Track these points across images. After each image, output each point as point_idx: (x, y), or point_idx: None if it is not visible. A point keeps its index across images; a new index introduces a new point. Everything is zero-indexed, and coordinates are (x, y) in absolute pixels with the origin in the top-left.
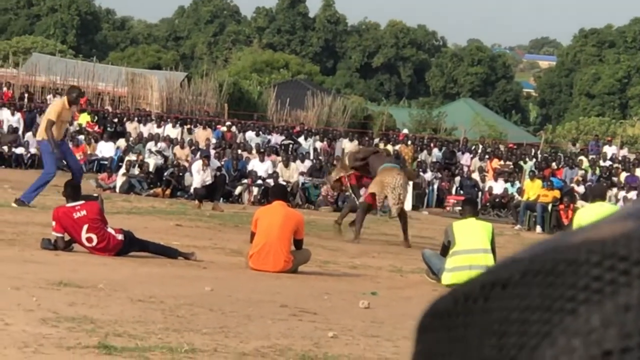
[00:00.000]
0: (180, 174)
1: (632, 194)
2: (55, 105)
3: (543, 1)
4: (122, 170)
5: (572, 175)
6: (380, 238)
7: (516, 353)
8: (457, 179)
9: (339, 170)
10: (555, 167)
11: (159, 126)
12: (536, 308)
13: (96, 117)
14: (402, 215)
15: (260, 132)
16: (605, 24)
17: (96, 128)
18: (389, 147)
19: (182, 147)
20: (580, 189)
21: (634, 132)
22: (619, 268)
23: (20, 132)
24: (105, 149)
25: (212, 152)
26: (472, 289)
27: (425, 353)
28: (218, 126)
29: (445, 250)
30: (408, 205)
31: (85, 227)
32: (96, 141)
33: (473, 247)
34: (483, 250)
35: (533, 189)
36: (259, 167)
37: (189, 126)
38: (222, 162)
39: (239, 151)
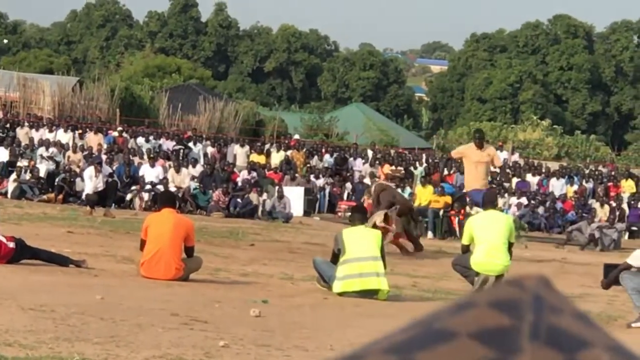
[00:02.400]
0: (72, 179)
1: (523, 200)
2: None
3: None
4: (13, 176)
5: (462, 181)
6: (271, 245)
7: None
8: (349, 184)
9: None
10: (447, 172)
11: (50, 131)
12: None
13: None
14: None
15: (151, 138)
16: (497, 29)
17: None
18: (281, 153)
19: (75, 152)
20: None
21: (525, 137)
22: None
23: None
24: None
25: (104, 157)
26: None
27: None
28: (109, 131)
29: (335, 257)
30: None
31: None
32: None
33: (363, 255)
34: (372, 257)
35: (424, 195)
36: (150, 172)
37: (80, 131)
38: (114, 168)
39: (131, 157)
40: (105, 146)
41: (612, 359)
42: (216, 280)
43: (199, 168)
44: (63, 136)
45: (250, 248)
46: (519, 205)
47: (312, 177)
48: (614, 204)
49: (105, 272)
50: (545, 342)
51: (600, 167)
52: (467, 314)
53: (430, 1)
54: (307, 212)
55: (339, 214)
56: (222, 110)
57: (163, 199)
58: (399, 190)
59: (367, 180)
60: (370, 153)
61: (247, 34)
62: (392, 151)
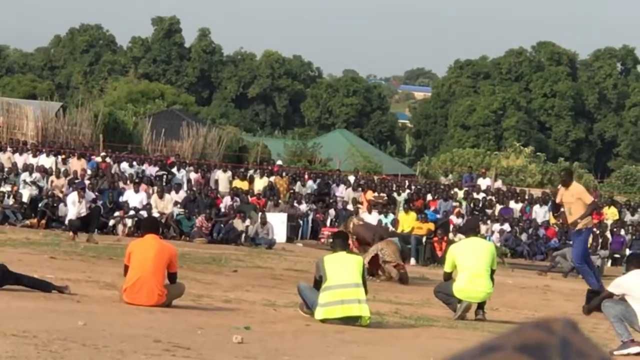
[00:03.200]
0: (55, 204)
1: (506, 226)
2: None
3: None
4: None
5: (446, 208)
6: (254, 271)
7: None
8: (332, 210)
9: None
10: (431, 198)
11: (34, 156)
12: None
13: None
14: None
15: (134, 163)
16: (480, 56)
17: None
18: (265, 179)
19: (58, 177)
20: (458, 221)
21: (509, 164)
22: None
23: None
24: None
25: (87, 182)
26: None
27: None
28: (93, 157)
29: (317, 284)
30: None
31: None
32: None
33: (344, 282)
34: (354, 284)
35: (407, 222)
36: (133, 197)
37: (63, 156)
38: (97, 194)
39: (114, 182)
40: (88, 171)
41: None
42: (199, 307)
43: (182, 194)
44: (46, 161)
45: (233, 274)
46: (501, 232)
47: (295, 203)
48: (597, 231)
49: (87, 298)
50: None
51: None
52: (493, 358)
53: (414, 28)
54: (290, 238)
55: (322, 240)
56: (205, 136)
57: (146, 225)
58: (382, 216)
59: (350, 207)
60: (352, 179)
61: (231, 60)
62: (376, 178)
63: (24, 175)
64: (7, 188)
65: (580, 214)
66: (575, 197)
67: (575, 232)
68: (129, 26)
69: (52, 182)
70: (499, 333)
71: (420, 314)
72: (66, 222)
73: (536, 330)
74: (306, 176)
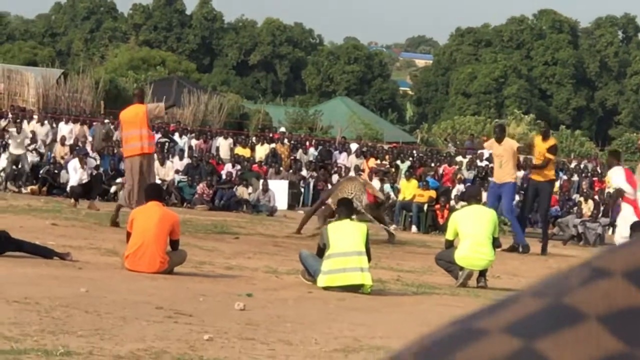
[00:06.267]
0: (56, 171)
1: None
2: None
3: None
4: None
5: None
6: (256, 238)
7: None
8: (334, 178)
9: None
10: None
11: (42, 124)
12: None
13: None
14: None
15: None
16: (482, 23)
17: None
18: (266, 147)
19: (63, 145)
20: (460, 188)
21: (509, 132)
22: None
23: None
24: None
25: (89, 149)
26: None
27: None
28: (94, 123)
29: (321, 252)
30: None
31: None
32: None
33: (347, 250)
34: (357, 252)
35: (409, 189)
36: None
37: (65, 123)
38: (99, 161)
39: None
40: (89, 138)
41: None
42: (200, 274)
43: (184, 161)
44: (48, 128)
45: (234, 241)
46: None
47: (297, 171)
48: (598, 199)
49: (89, 265)
50: None
51: (584, 162)
52: (599, 288)
53: None
54: (292, 205)
55: (323, 207)
56: (206, 103)
57: (149, 192)
58: (385, 185)
59: (352, 174)
60: (355, 146)
61: (232, 27)
62: (386, 146)
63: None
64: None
65: (510, 169)
66: (508, 152)
67: (500, 184)
68: None
69: (54, 149)
70: (609, 248)
71: (422, 282)
72: (67, 189)
73: None
74: (307, 143)
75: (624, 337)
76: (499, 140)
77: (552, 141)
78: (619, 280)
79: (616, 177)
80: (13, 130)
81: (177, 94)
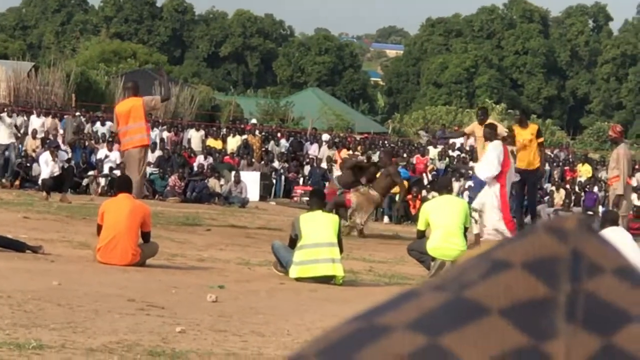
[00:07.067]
0: (28, 164)
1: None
2: None
3: None
4: None
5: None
6: (228, 230)
7: None
8: (305, 169)
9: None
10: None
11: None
12: None
13: None
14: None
15: (106, 122)
16: (452, 13)
17: None
18: (237, 138)
19: (34, 138)
20: (430, 178)
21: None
22: None
23: None
24: None
25: (61, 142)
26: None
27: None
28: (65, 116)
29: (293, 243)
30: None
31: None
32: None
33: (319, 241)
34: (329, 244)
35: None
36: (107, 156)
37: (36, 116)
38: (71, 154)
39: (87, 142)
40: (61, 131)
41: None
42: (173, 266)
43: (156, 153)
44: (18, 122)
45: (206, 233)
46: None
47: (268, 162)
48: (569, 188)
49: (61, 258)
50: (582, 323)
51: (556, 151)
52: (500, 280)
53: None
54: (263, 196)
55: (295, 198)
56: (177, 96)
57: (120, 184)
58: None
59: (324, 165)
60: (326, 137)
61: (203, 19)
62: (358, 137)
63: None
64: None
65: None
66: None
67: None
68: None
69: (26, 142)
70: (508, 239)
71: (394, 272)
72: (39, 182)
73: (547, 237)
74: (279, 135)
75: (528, 329)
76: (482, 122)
77: (534, 126)
78: (519, 271)
79: (493, 152)
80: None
81: (149, 87)
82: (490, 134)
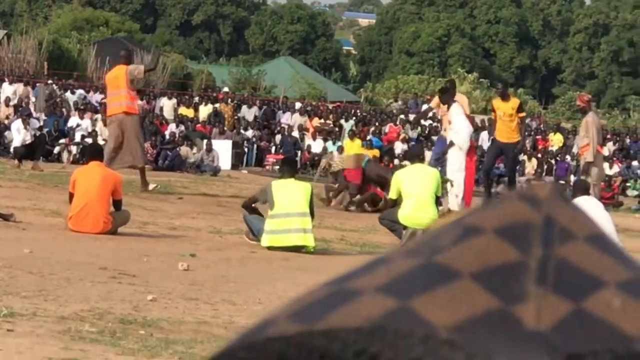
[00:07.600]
0: (0, 132)
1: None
2: None
3: None
4: None
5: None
6: (199, 199)
7: None
8: (277, 137)
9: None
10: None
11: None
12: None
13: None
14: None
15: (76, 90)
16: None
17: None
18: (209, 106)
19: (7, 105)
20: (404, 147)
21: None
22: None
23: None
24: None
25: (33, 110)
26: None
27: None
28: (38, 84)
29: (252, 202)
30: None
31: None
32: None
33: (290, 211)
34: (300, 214)
35: (353, 149)
36: (79, 124)
37: (8, 84)
38: (43, 121)
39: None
40: (33, 99)
41: (624, 303)
42: (144, 234)
43: None
44: None
45: (178, 201)
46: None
47: (241, 130)
48: (541, 157)
49: (33, 226)
50: (553, 287)
51: (528, 120)
52: (472, 245)
53: None
54: (235, 165)
55: (267, 167)
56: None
57: (91, 152)
58: (328, 143)
59: (295, 133)
60: (298, 105)
61: None
62: (330, 105)
63: None
64: None
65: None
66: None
67: (439, 137)
68: None
69: None
70: (482, 204)
71: (366, 241)
72: (11, 149)
73: (520, 204)
74: (250, 103)
75: (498, 293)
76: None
77: (516, 100)
78: (491, 236)
79: (458, 116)
80: None
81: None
82: (446, 98)
